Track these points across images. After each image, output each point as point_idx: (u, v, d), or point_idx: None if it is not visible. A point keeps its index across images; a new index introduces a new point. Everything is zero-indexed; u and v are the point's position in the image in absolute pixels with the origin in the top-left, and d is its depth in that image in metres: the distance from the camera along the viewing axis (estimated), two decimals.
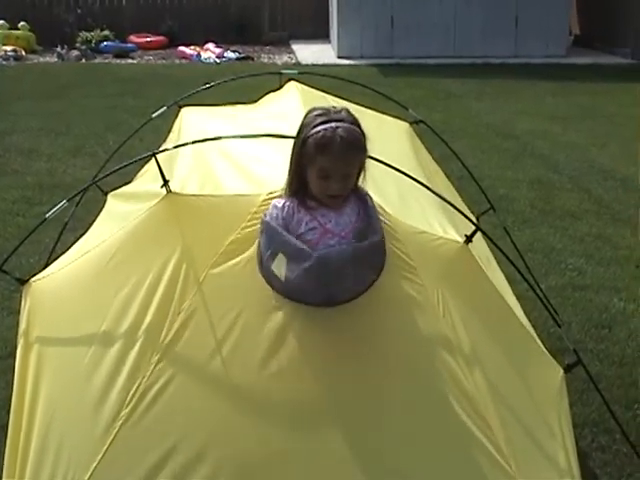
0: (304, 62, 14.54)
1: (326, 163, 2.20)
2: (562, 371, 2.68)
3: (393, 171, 2.61)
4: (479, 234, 2.59)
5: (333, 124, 2.20)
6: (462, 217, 2.71)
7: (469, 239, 2.55)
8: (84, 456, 2.19)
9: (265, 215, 2.30)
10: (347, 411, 2.17)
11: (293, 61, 15.03)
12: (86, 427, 2.24)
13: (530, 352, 2.66)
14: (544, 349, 2.75)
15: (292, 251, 2.19)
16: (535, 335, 2.86)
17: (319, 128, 2.20)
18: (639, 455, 3.15)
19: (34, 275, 2.76)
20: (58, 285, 2.64)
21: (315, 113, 2.27)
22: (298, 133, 2.29)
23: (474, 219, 2.87)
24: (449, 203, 2.72)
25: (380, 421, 2.17)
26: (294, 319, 2.23)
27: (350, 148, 2.21)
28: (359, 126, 2.26)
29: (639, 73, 13.64)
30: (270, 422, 2.15)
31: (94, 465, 2.15)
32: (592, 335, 4.43)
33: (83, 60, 14.82)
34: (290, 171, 2.32)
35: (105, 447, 2.16)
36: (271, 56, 15.80)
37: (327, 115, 2.24)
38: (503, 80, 12.75)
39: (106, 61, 14.93)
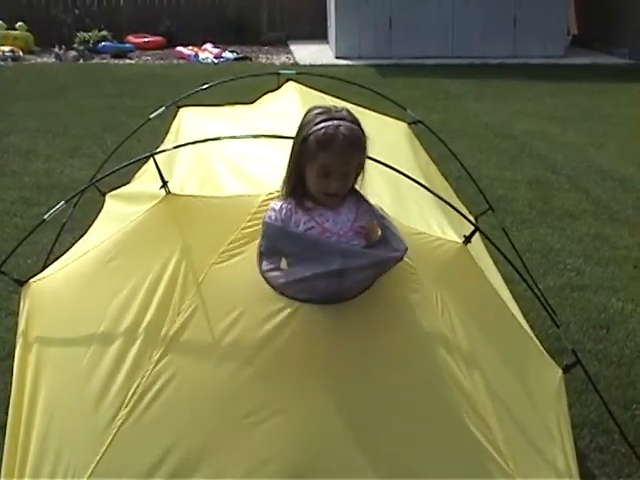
0: (302, 62, 14.54)
1: (327, 160, 2.21)
2: (561, 371, 2.68)
3: (391, 171, 2.61)
4: (477, 235, 2.59)
5: (335, 122, 2.22)
6: (461, 217, 2.71)
7: (468, 240, 2.55)
8: (84, 456, 2.19)
9: (265, 217, 2.30)
10: (348, 410, 2.17)
11: (291, 61, 15.03)
12: (86, 427, 2.24)
13: (528, 352, 2.66)
14: (542, 349, 2.75)
15: (306, 245, 2.20)
16: (533, 335, 2.86)
17: (321, 125, 2.21)
18: (637, 455, 3.16)
19: (33, 276, 2.76)
20: (57, 286, 2.64)
21: (316, 112, 2.28)
22: (298, 131, 2.30)
23: (473, 219, 2.87)
24: (448, 203, 2.72)
25: (379, 420, 2.17)
26: (294, 318, 2.22)
27: (352, 146, 2.23)
28: (359, 125, 2.27)
29: (637, 73, 13.66)
30: (272, 422, 2.15)
31: (93, 465, 2.16)
32: (590, 335, 4.43)
33: (81, 60, 14.81)
34: (288, 170, 2.33)
35: (104, 447, 2.17)
36: (269, 56, 15.81)
37: (328, 113, 2.25)
38: (502, 80, 12.76)
39: (104, 61, 14.92)
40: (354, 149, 2.24)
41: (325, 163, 2.22)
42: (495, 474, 2.17)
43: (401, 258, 2.25)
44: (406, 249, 2.25)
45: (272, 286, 2.26)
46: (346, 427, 2.14)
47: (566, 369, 2.70)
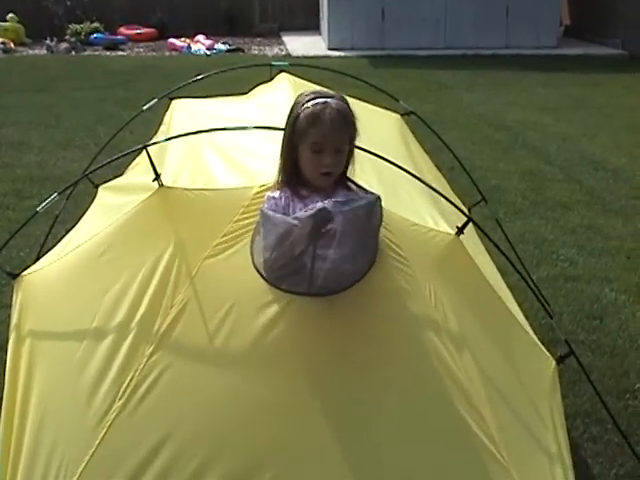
0: (295, 54, 14.52)
1: (318, 136, 2.25)
2: (554, 362, 2.68)
3: (383, 162, 2.61)
4: (471, 226, 2.59)
5: (323, 99, 2.28)
6: (453, 208, 2.71)
7: (460, 231, 2.55)
8: (77, 449, 2.18)
9: (265, 208, 2.29)
10: (340, 402, 2.17)
11: (284, 53, 15.01)
12: (79, 420, 2.23)
13: (522, 343, 2.67)
14: (536, 340, 2.75)
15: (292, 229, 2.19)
16: (527, 326, 2.86)
17: (310, 103, 2.27)
18: (630, 445, 3.16)
19: (25, 269, 2.75)
20: (50, 279, 2.63)
21: (305, 94, 2.35)
22: (289, 114, 2.34)
23: (466, 210, 2.87)
24: (440, 194, 2.72)
25: (372, 414, 2.16)
26: (288, 311, 2.22)
27: (340, 119, 2.26)
28: (348, 104, 2.32)
29: (629, 64, 13.69)
30: (264, 414, 2.15)
31: (87, 458, 2.15)
32: (584, 326, 4.44)
33: (73, 52, 14.77)
34: (282, 155, 2.35)
35: (98, 441, 2.16)
36: (262, 48, 15.78)
37: (317, 93, 2.33)
38: (494, 71, 12.78)
39: (96, 53, 14.88)
40: (343, 123, 2.27)
41: (316, 140, 2.25)
42: (489, 464, 2.18)
43: (378, 198, 2.26)
44: (377, 198, 2.26)
45: (266, 279, 2.25)
46: (340, 421, 2.14)
47: (560, 360, 2.70)
